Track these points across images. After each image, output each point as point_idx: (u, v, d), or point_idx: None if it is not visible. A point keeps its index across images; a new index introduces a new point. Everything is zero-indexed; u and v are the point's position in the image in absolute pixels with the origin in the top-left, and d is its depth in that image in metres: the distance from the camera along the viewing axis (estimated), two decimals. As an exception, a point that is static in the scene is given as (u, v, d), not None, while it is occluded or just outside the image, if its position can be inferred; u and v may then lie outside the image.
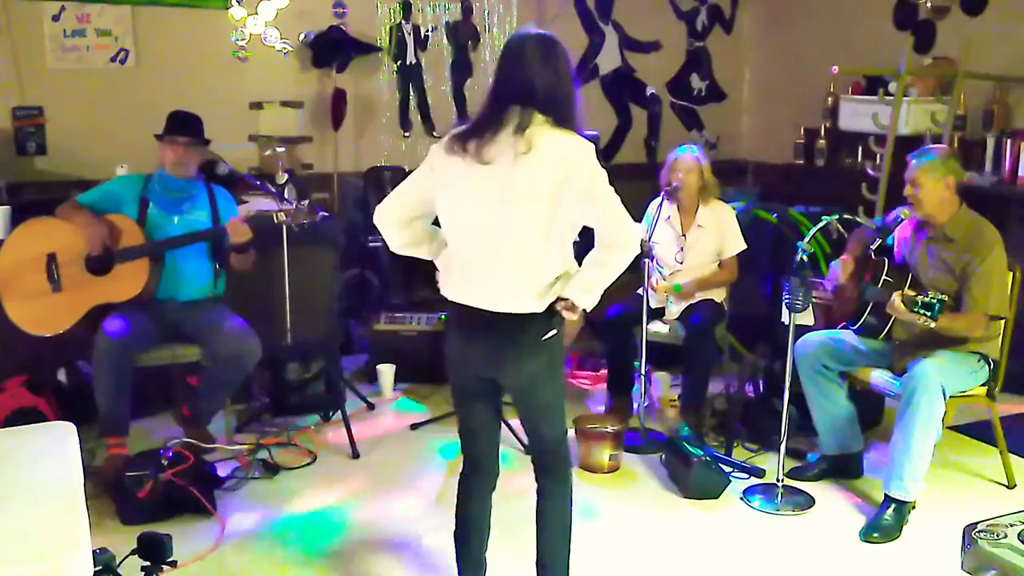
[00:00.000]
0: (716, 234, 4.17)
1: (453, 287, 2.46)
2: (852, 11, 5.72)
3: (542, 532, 2.58)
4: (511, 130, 2.29)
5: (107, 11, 4.88)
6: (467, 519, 2.62)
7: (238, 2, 4.81)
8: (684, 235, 4.18)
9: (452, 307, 2.48)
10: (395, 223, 2.50)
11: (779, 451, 3.49)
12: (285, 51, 4.98)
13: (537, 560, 2.60)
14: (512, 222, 2.31)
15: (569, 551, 2.60)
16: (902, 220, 3.55)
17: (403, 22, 5.50)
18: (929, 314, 3.05)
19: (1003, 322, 3.37)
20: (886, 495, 3.25)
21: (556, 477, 2.57)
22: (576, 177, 2.28)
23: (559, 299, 2.37)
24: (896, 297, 3.16)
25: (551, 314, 2.38)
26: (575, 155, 2.29)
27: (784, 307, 3.37)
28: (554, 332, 2.40)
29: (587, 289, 2.38)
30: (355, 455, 3.86)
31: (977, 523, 3.00)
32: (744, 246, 4.19)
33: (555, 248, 2.35)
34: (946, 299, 3.07)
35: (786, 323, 3.40)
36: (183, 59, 5.07)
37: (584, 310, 2.41)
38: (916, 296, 3.10)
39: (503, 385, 2.50)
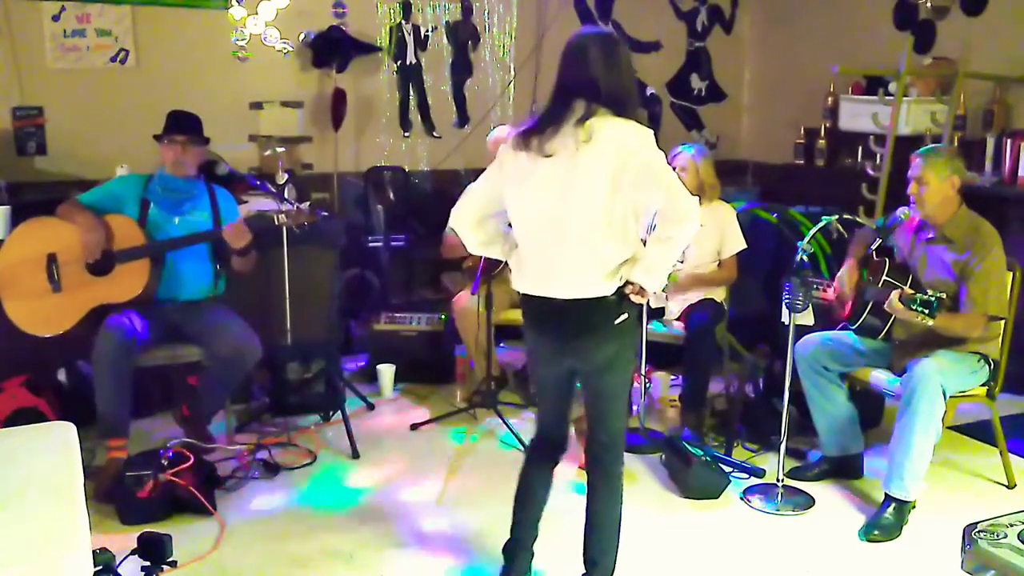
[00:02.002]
0: (716, 233, 4.17)
1: (525, 280, 2.53)
2: (852, 11, 5.72)
3: (592, 531, 2.64)
4: (573, 122, 2.36)
5: (107, 11, 4.88)
6: (527, 484, 2.75)
7: (238, 2, 4.81)
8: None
9: (525, 301, 2.56)
10: (470, 222, 2.59)
11: (779, 451, 3.49)
12: (285, 51, 4.99)
13: (585, 556, 2.66)
14: (576, 209, 2.38)
15: (617, 549, 2.65)
16: (902, 220, 3.55)
17: (403, 22, 5.50)
18: (927, 312, 3.05)
19: (1003, 322, 3.37)
20: (886, 494, 3.25)
21: (610, 476, 2.62)
22: (635, 161, 2.34)
23: (627, 283, 2.43)
24: (894, 296, 3.17)
25: (622, 299, 2.44)
26: (633, 140, 2.36)
27: (784, 307, 3.37)
28: (626, 317, 2.46)
29: (651, 270, 2.43)
30: (355, 455, 3.86)
31: (977, 523, 3.00)
32: (744, 246, 4.19)
33: (619, 232, 2.41)
34: (944, 297, 3.07)
35: (786, 323, 3.40)
36: (183, 59, 5.07)
37: (653, 292, 2.48)
38: (915, 294, 3.10)
39: (578, 370, 2.58)
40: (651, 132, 2.39)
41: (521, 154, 2.45)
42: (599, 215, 2.38)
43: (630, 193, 2.37)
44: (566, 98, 2.41)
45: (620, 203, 2.38)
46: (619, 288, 2.43)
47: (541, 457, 2.76)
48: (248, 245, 3.69)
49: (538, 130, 2.41)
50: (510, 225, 2.58)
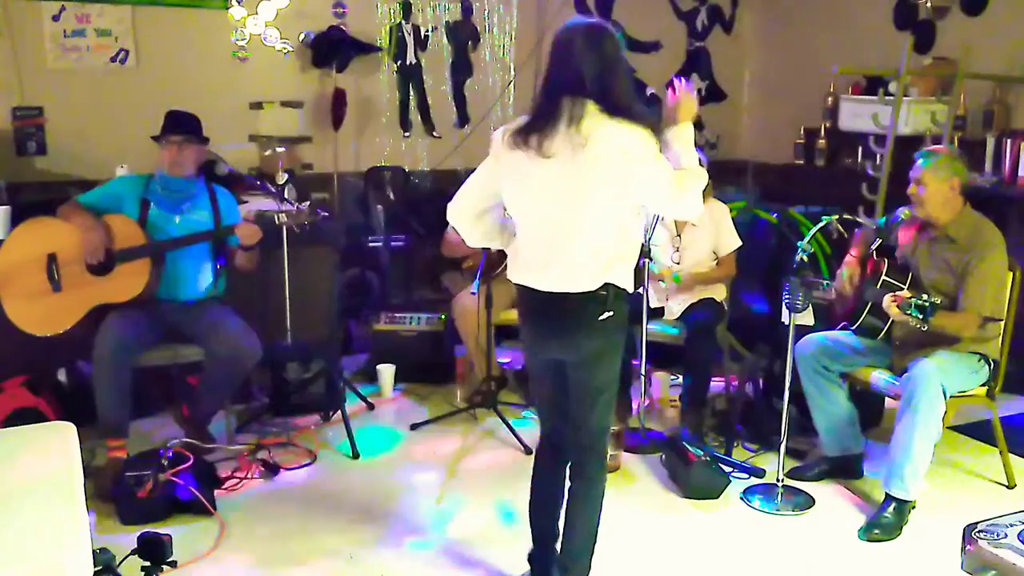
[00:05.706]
0: (711, 232, 4.17)
1: (518, 271, 2.53)
2: (852, 11, 5.72)
3: (568, 535, 2.63)
4: (565, 123, 2.33)
5: (107, 11, 4.88)
6: (538, 489, 2.74)
7: (238, 2, 4.81)
8: (679, 235, 4.18)
9: (518, 290, 2.56)
10: (468, 218, 2.58)
11: (779, 451, 3.49)
12: (285, 51, 4.99)
13: (558, 560, 2.66)
14: (577, 212, 2.38)
15: (592, 554, 2.65)
16: (903, 220, 3.55)
17: (403, 22, 5.50)
18: (922, 317, 3.04)
19: (1002, 323, 3.37)
20: (887, 494, 3.25)
21: (589, 481, 2.60)
22: (638, 171, 2.35)
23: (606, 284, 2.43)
24: (888, 298, 3.17)
25: (607, 296, 2.44)
26: (636, 149, 2.34)
27: (784, 307, 3.37)
28: (611, 313, 2.45)
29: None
30: (355, 455, 3.86)
31: (977, 523, 3.00)
32: (739, 243, 4.19)
33: (617, 233, 2.43)
34: (938, 302, 3.06)
35: (786, 323, 3.40)
36: (183, 59, 5.07)
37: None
38: (910, 299, 3.10)
39: (565, 362, 2.57)
40: (650, 134, 2.36)
41: (519, 152, 2.41)
42: (600, 219, 2.38)
43: (633, 199, 2.39)
44: (554, 95, 2.37)
45: (622, 207, 2.39)
46: (607, 284, 2.43)
47: (547, 459, 2.74)
48: (258, 241, 3.70)
49: (535, 129, 2.37)
50: (506, 213, 2.58)
